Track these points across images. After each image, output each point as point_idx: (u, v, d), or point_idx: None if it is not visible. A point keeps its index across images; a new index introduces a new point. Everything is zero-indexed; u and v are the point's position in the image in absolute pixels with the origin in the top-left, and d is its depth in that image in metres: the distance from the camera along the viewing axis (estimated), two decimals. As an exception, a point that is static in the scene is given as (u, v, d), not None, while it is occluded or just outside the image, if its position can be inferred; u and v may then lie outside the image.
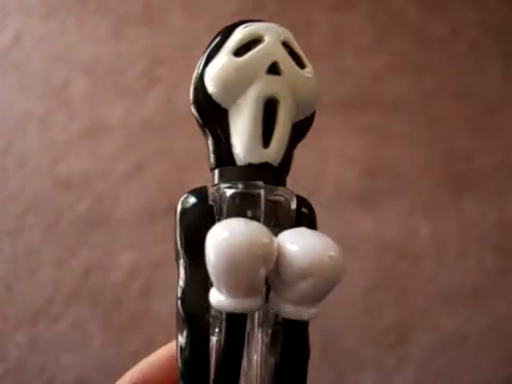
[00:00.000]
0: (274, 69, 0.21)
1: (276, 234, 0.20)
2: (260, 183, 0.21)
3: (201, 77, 0.22)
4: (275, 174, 0.22)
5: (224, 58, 0.21)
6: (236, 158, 0.22)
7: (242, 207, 0.21)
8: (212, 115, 0.22)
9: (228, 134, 0.22)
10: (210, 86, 0.22)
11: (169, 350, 0.24)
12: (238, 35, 0.22)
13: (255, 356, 0.21)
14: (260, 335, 0.21)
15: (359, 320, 0.69)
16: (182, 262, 0.21)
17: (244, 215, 0.21)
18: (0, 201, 0.74)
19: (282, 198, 0.22)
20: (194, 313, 0.20)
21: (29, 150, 0.77)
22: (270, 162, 0.21)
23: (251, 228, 0.19)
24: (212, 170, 0.23)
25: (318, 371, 0.65)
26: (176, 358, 0.21)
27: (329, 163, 0.75)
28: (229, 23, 0.23)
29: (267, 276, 0.19)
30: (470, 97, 0.80)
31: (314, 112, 0.23)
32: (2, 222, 0.73)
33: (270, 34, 0.21)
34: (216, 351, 0.20)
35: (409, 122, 0.78)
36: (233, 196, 0.21)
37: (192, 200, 0.21)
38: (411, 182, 0.75)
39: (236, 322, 0.19)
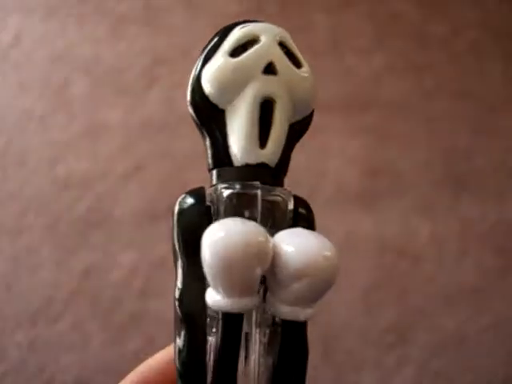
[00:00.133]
0: (270, 69, 0.21)
1: (273, 234, 0.20)
2: (257, 183, 0.21)
3: (198, 78, 0.22)
4: (272, 174, 0.22)
5: (220, 58, 0.22)
6: (233, 158, 0.22)
7: (239, 207, 0.21)
8: (209, 116, 0.22)
9: (225, 134, 0.22)
10: (207, 87, 0.22)
11: (169, 353, 0.24)
12: (235, 36, 0.22)
13: (253, 356, 0.21)
14: (258, 335, 0.21)
15: (359, 320, 0.69)
16: (179, 262, 0.21)
17: (241, 215, 0.21)
18: None
19: (279, 199, 0.22)
20: (192, 313, 0.20)
21: (28, 149, 0.77)
22: (266, 162, 0.21)
23: (247, 227, 0.19)
24: (210, 170, 0.23)
25: (318, 371, 0.65)
26: (174, 359, 0.21)
27: (329, 163, 0.75)
28: (229, 23, 0.23)
29: (264, 276, 0.19)
30: (470, 97, 0.80)
31: (312, 112, 0.23)
32: (2, 221, 0.73)
33: (267, 34, 0.22)
34: (213, 351, 0.20)
35: (409, 122, 0.78)
36: (230, 196, 0.21)
37: (189, 201, 0.21)
38: (411, 181, 0.75)
39: (232, 322, 0.19)
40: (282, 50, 0.22)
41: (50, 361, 0.67)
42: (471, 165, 0.77)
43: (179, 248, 0.21)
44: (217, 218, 0.21)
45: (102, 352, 0.67)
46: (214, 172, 0.22)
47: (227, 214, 0.21)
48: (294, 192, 0.22)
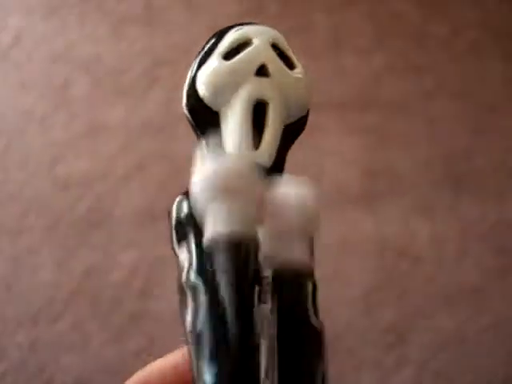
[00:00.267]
0: (262, 71, 0.22)
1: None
2: None
3: (193, 80, 0.23)
4: (267, 175, 0.22)
5: (214, 61, 0.22)
6: None
7: None
8: (204, 118, 0.23)
9: (220, 136, 0.22)
10: (201, 90, 0.22)
11: (172, 358, 0.24)
12: (228, 39, 0.22)
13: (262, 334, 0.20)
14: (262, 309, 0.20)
15: (359, 320, 0.69)
16: (181, 251, 0.21)
17: None
18: (0, 201, 0.74)
19: None
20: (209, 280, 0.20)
21: (29, 150, 0.77)
22: (260, 163, 0.22)
23: (228, 158, 0.20)
24: None
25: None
26: (186, 339, 0.20)
27: (328, 163, 0.75)
28: (229, 24, 0.23)
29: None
30: (470, 97, 0.80)
31: (308, 113, 0.23)
32: (2, 222, 0.73)
33: (259, 36, 0.22)
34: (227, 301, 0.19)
35: (408, 122, 0.78)
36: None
37: (186, 205, 0.22)
38: (411, 182, 0.75)
39: (236, 251, 0.19)
40: (275, 52, 0.22)
41: (50, 361, 0.67)
42: (471, 165, 0.77)
43: (177, 242, 0.22)
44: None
45: (102, 352, 0.67)
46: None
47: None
48: None
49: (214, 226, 0.19)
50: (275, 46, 0.22)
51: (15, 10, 0.86)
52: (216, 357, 0.19)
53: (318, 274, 0.21)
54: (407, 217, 0.73)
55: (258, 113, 0.22)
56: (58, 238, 0.72)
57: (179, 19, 0.84)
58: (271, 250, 0.20)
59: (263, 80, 0.22)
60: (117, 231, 0.72)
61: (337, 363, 0.71)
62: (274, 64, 0.22)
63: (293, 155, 0.23)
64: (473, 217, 0.74)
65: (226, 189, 0.19)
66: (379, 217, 0.73)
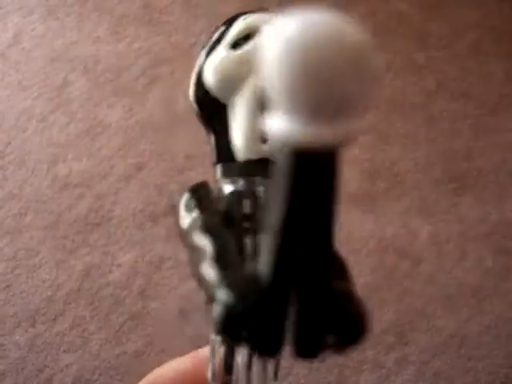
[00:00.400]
0: None
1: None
2: (258, 179, 0.21)
3: (200, 71, 0.22)
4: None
5: (222, 51, 0.21)
6: (235, 153, 0.21)
7: (240, 203, 0.21)
8: (211, 110, 0.22)
9: (228, 129, 0.21)
10: (209, 81, 0.21)
11: (178, 364, 0.24)
12: (236, 28, 0.21)
13: None
14: None
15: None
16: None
17: (242, 211, 0.20)
18: (-1, 201, 0.74)
19: None
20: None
21: (28, 149, 0.77)
22: (268, 157, 0.21)
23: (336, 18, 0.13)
24: (214, 165, 0.22)
25: (318, 371, 0.65)
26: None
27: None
28: (225, 24, 0.22)
29: None
30: (470, 97, 0.80)
31: None
32: (1, 221, 0.73)
33: (265, 26, 0.21)
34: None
35: (409, 121, 0.78)
36: (231, 192, 0.21)
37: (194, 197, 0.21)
38: (411, 182, 0.75)
39: (309, 166, 0.13)
40: None
41: (49, 361, 0.67)
42: (471, 165, 0.77)
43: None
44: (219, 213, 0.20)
45: (102, 352, 0.67)
46: (218, 167, 0.22)
47: (228, 210, 0.20)
48: None
49: (282, 121, 0.13)
50: None
51: (14, 10, 0.86)
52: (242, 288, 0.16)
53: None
54: (407, 217, 0.73)
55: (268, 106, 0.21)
56: (57, 237, 0.72)
57: (178, 19, 0.84)
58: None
59: None
60: (116, 231, 0.72)
61: (337, 363, 0.71)
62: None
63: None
64: (473, 217, 0.74)
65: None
66: (379, 217, 0.73)
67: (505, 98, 0.80)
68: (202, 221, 0.20)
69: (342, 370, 0.67)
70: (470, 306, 0.70)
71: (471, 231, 0.73)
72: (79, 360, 0.67)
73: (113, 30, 0.84)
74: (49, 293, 0.69)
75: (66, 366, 0.67)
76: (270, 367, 0.20)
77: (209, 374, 0.21)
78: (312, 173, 0.14)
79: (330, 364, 0.67)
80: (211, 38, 0.22)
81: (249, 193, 0.21)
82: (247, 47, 0.21)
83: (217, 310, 0.16)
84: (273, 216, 0.14)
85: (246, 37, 0.21)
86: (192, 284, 0.21)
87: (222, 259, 0.18)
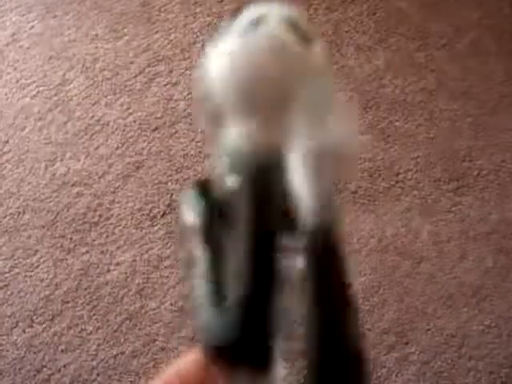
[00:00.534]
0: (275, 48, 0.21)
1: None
2: (261, 176, 0.21)
3: (207, 61, 0.22)
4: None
5: (228, 41, 0.22)
6: (238, 148, 0.21)
7: (241, 200, 0.21)
8: (217, 101, 0.22)
9: (232, 124, 0.21)
10: (216, 70, 0.22)
11: (188, 362, 0.23)
12: (242, 18, 0.22)
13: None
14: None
15: (359, 320, 0.68)
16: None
17: (243, 208, 0.20)
18: (-3, 199, 0.74)
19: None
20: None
21: (26, 148, 0.76)
22: (269, 153, 0.21)
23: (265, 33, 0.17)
24: (219, 158, 0.22)
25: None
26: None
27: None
28: (227, 21, 0.23)
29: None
30: (471, 96, 0.79)
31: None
32: (-1, 220, 0.73)
33: (273, 15, 0.21)
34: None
35: (410, 121, 0.78)
36: (234, 186, 0.21)
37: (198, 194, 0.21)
38: (412, 181, 0.75)
39: (261, 166, 0.17)
40: (291, 28, 0.22)
41: (47, 361, 0.67)
42: (472, 164, 0.76)
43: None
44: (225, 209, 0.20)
45: (99, 352, 0.66)
46: (223, 160, 0.22)
47: (232, 205, 0.20)
48: None
49: (238, 132, 0.17)
50: (291, 24, 0.22)
51: (12, 8, 0.86)
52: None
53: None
54: (408, 216, 0.73)
55: None
56: (55, 236, 0.71)
57: (177, 17, 0.84)
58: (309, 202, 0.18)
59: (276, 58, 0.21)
60: (114, 230, 0.72)
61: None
62: (289, 40, 0.21)
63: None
64: (473, 217, 0.74)
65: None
66: (380, 216, 0.73)
67: (505, 98, 0.80)
68: (201, 228, 0.20)
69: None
70: (470, 305, 0.69)
71: (471, 231, 0.73)
72: (77, 360, 0.67)
73: (111, 28, 0.83)
74: (47, 292, 0.69)
75: (64, 365, 0.66)
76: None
77: None
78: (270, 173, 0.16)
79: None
80: (220, 29, 0.22)
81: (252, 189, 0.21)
82: (252, 36, 0.22)
83: (203, 337, 0.18)
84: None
85: (251, 27, 0.22)
86: (191, 283, 0.20)
87: (212, 280, 0.19)
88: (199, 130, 0.73)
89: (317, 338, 0.18)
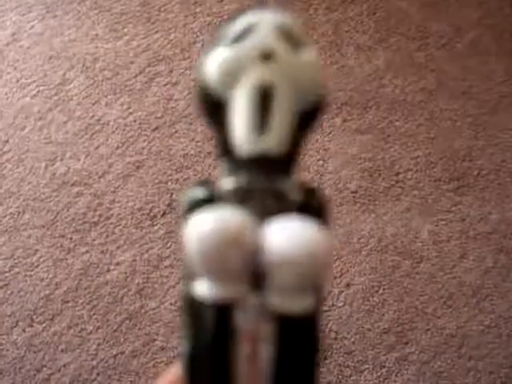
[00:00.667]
0: (267, 57, 0.21)
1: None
2: (260, 174, 0.21)
3: (202, 68, 0.22)
4: (276, 163, 0.21)
5: (220, 48, 0.22)
6: (236, 148, 0.21)
7: (241, 200, 0.21)
8: (212, 106, 0.22)
9: (228, 124, 0.22)
10: (208, 78, 0.22)
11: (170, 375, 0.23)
12: (235, 25, 0.22)
13: (259, 350, 0.20)
14: (261, 331, 0.20)
15: (359, 320, 0.68)
16: None
17: (244, 207, 0.20)
18: (-3, 199, 0.74)
19: (282, 189, 0.21)
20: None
21: (26, 147, 0.77)
22: (268, 149, 0.21)
23: (222, 216, 0.19)
24: (217, 160, 0.22)
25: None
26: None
27: (328, 163, 0.75)
28: (227, 21, 0.23)
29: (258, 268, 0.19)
30: (471, 96, 0.80)
31: (324, 97, 0.22)
32: (-1, 220, 0.73)
33: (264, 22, 0.21)
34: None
35: (409, 120, 0.78)
36: (233, 188, 0.21)
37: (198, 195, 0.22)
38: (412, 181, 0.75)
39: (220, 314, 0.19)
40: (282, 36, 0.22)
41: (47, 360, 0.67)
42: (472, 164, 0.77)
43: None
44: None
45: (99, 352, 0.66)
46: (220, 162, 0.22)
47: (230, 204, 0.20)
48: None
49: (203, 285, 0.19)
50: (282, 31, 0.22)
51: (12, 8, 0.86)
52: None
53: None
54: (408, 216, 0.73)
55: (265, 100, 0.21)
56: (55, 236, 0.71)
57: (177, 16, 0.84)
58: (272, 302, 0.20)
59: (268, 66, 0.21)
60: (114, 230, 0.72)
61: (337, 363, 0.70)
62: (279, 49, 0.21)
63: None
64: (473, 216, 0.74)
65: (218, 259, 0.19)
66: (380, 216, 0.73)
67: (505, 97, 0.80)
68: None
69: (342, 369, 0.66)
70: (470, 305, 0.69)
71: (472, 230, 0.73)
72: (77, 360, 0.67)
73: (111, 28, 0.83)
74: (47, 291, 0.69)
75: (64, 365, 0.66)
76: None
77: None
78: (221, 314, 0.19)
79: (330, 364, 0.66)
80: (215, 35, 0.22)
81: (249, 186, 0.21)
82: (243, 43, 0.21)
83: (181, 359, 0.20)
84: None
85: (243, 34, 0.22)
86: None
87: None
88: (199, 130, 0.73)
89: None
